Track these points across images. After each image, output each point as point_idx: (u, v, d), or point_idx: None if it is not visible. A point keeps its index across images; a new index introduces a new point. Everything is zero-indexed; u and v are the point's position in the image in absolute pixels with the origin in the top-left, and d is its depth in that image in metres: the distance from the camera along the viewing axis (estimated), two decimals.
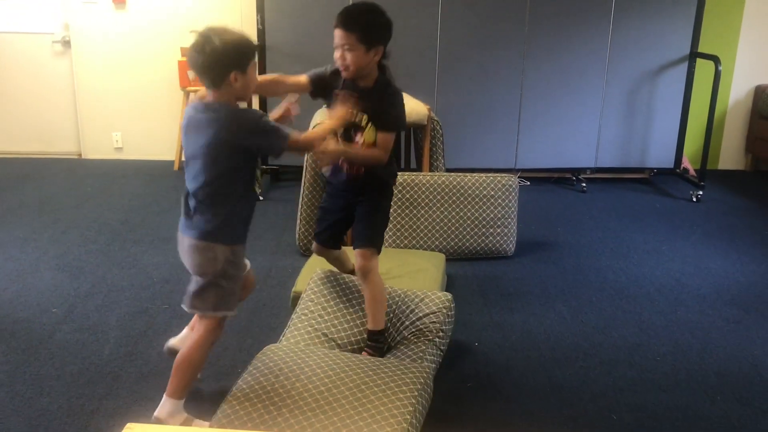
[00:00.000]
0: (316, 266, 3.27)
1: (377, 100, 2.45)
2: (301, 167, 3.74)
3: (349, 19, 2.43)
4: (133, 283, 3.38)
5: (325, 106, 2.67)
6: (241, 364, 2.53)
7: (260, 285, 3.38)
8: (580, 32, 4.92)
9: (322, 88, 2.57)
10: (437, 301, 2.70)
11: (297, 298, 3.05)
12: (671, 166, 5.26)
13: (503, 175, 3.80)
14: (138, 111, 5.62)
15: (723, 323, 3.11)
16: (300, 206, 3.73)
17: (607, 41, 4.95)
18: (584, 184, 5.18)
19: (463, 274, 3.57)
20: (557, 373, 2.67)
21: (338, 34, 2.43)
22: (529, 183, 5.30)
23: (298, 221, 3.74)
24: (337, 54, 2.44)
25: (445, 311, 2.67)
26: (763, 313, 3.22)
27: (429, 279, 3.17)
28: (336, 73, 2.52)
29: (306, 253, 3.67)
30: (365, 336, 2.59)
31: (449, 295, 2.77)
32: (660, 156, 5.22)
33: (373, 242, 2.55)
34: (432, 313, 2.65)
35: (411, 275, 3.16)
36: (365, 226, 2.57)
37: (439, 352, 2.58)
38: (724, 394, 2.55)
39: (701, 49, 5.22)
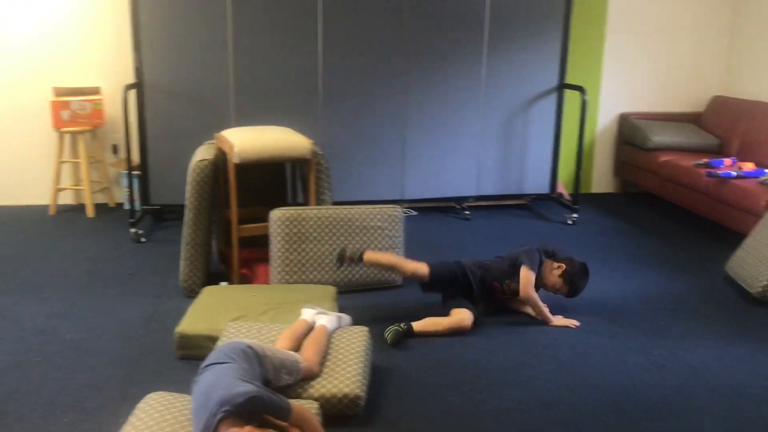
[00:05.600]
0: (202, 307, 3.20)
1: None
2: (183, 206, 3.66)
3: None
4: (3, 335, 3.17)
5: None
6: (125, 414, 2.42)
7: (144, 330, 3.26)
8: (456, 66, 5.13)
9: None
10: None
11: (182, 339, 2.96)
12: (547, 191, 5.53)
13: (389, 206, 3.86)
14: (9, 154, 5.32)
15: (600, 339, 3.28)
16: (183, 246, 3.64)
17: (481, 74, 5.18)
18: (467, 212, 5.35)
19: (355, 306, 3.58)
20: (447, 397, 2.72)
21: None
22: (416, 213, 5.41)
23: (182, 261, 3.64)
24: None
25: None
26: (636, 327, 3.42)
27: None
28: None
29: (191, 294, 3.57)
30: None
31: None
32: (536, 182, 5.49)
33: None
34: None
35: None
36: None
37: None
38: (604, 407, 2.68)
39: (569, 80, 5.56)
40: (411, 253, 4.28)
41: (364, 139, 5.12)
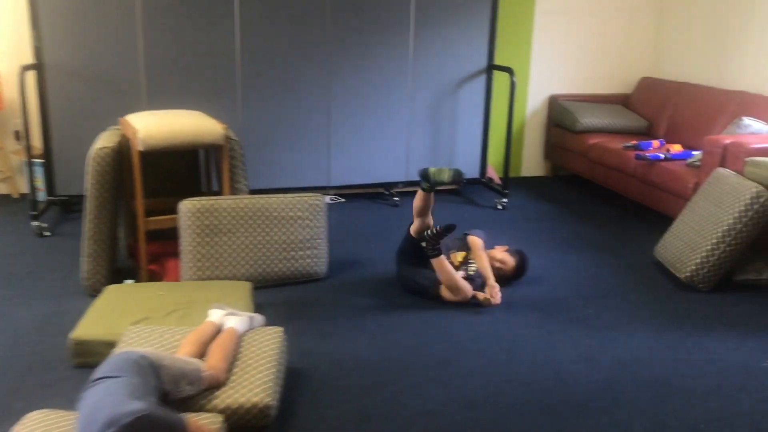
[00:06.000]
0: (103, 309, 2.94)
1: None
2: None
3: None
4: None
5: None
6: None
7: (39, 334, 2.97)
8: (382, 46, 4.92)
9: None
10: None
11: (78, 345, 2.70)
12: (477, 176, 5.41)
13: (310, 194, 3.65)
14: None
15: (528, 330, 3.16)
16: (84, 241, 3.35)
17: (409, 55, 4.99)
18: (397, 199, 5.18)
19: (273, 302, 3.38)
20: (366, 401, 2.55)
21: None
22: (344, 200, 5.21)
23: (83, 258, 3.35)
24: None
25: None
26: (564, 315, 3.32)
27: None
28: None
29: (94, 294, 3.29)
30: None
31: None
32: (466, 167, 5.35)
33: None
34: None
35: None
36: None
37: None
38: (530, 405, 2.56)
39: (499, 61, 5.43)
40: (336, 243, 4.10)
41: (287, 123, 4.87)
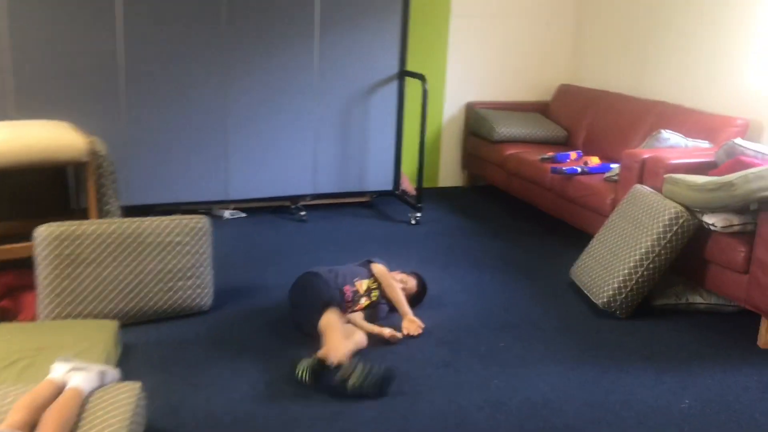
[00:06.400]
0: None
1: None
2: None
3: None
4: None
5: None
6: None
7: None
8: (285, 47, 4.54)
9: None
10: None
11: None
12: (390, 188, 5.09)
13: (191, 216, 3.24)
14: None
15: (432, 370, 2.84)
16: None
17: (314, 59, 4.62)
18: (303, 213, 4.80)
19: (145, 342, 2.95)
20: None
21: None
22: (245, 215, 4.80)
23: None
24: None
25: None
26: (473, 350, 3.02)
27: (92, 359, 2.51)
28: None
29: None
30: None
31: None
32: (379, 178, 5.02)
33: None
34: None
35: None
36: None
37: None
38: None
39: (414, 67, 5.13)
40: (228, 267, 3.70)
41: (179, 131, 4.43)
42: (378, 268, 3.31)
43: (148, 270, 3.09)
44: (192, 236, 3.19)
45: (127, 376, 2.51)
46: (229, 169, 4.59)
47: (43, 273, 2.93)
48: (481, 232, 4.67)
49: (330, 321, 2.86)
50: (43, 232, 2.94)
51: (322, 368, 2.64)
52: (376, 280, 3.29)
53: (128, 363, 2.77)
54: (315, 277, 3.12)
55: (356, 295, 3.19)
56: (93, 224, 3.03)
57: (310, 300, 3.01)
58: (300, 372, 2.61)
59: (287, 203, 4.98)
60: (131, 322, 3.08)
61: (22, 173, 3.32)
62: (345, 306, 3.13)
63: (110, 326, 2.83)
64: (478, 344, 3.08)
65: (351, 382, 2.56)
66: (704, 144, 4.06)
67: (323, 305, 2.94)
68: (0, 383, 2.30)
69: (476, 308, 3.46)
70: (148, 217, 3.16)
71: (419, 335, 3.10)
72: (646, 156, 3.80)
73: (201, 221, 3.23)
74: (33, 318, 3.00)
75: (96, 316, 2.99)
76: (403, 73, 4.88)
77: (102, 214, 3.22)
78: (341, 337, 2.79)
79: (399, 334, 3.05)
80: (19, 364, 2.50)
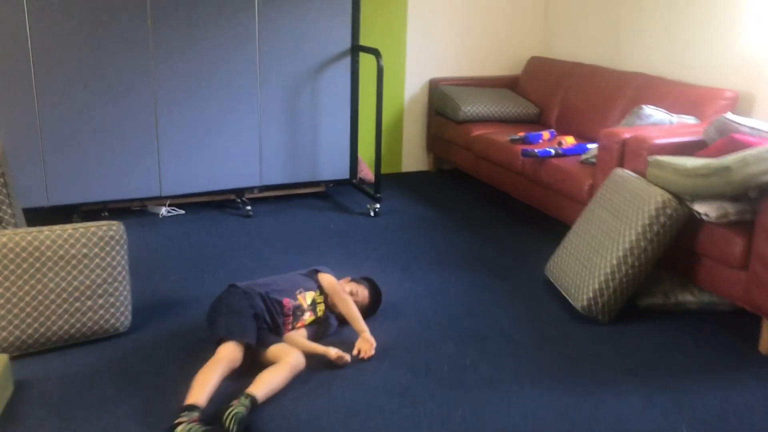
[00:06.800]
0: None
1: None
2: None
3: None
4: None
5: None
6: None
7: None
8: (221, 22, 4.02)
9: None
10: None
11: None
12: (347, 176, 4.61)
13: (101, 224, 2.74)
14: None
15: (387, 400, 2.40)
16: None
17: (254, 33, 4.11)
18: (249, 207, 4.32)
19: (44, 377, 2.48)
20: None
21: None
22: (183, 212, 4.31)
23: None
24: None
25: None
26: (434, 372, 2.59)
27: None
28: None
29: None
30: None
31: None
32: (333, 166, 4.55)
33: None
34: None
35: None
36: None
37: None
38: None
39: (370, 41, 4.65)
40: (155, 276, 3.21)
41: (101, 121, 3.90)
42: (327, 279, 2.86)
43: (48, 289, 2.61)
44: (102, 247, 2.71)
45: (15, 423, 2.04)
46: (161, 162, 4.09)
47: None
48: (446, 224, 4.23)
49: (219, 356, 2.40)
50: None
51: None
52: (323, 293, 2.83)
53: (20, 406, 2.30)
54: (230, 293, 2.66)
55: (298, 310, 2.74)
56: None
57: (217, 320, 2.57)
58: (228, 420, 2.15)
59: (232, 197, 4.50)
60: (29, 352, 2.60)
61: None
62: (283, 321, 2.69)
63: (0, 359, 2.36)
64: (440, 363, 2.65)
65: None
66: (691, 120, 3.64)
67: (218, 341, 2.47)
68: None
69: (439, 316, 3.03)
70: (47, 227, 2.66)
71: (370, 358, 2.66)
72: (626, 136, 3.37)
73: (113, 228, 2.74)
74: None
75: None
76: (356, 48, 4.38)
77: None
78: (209, 383, 2.31)
79: (347, 356, 2.60)
80: None
